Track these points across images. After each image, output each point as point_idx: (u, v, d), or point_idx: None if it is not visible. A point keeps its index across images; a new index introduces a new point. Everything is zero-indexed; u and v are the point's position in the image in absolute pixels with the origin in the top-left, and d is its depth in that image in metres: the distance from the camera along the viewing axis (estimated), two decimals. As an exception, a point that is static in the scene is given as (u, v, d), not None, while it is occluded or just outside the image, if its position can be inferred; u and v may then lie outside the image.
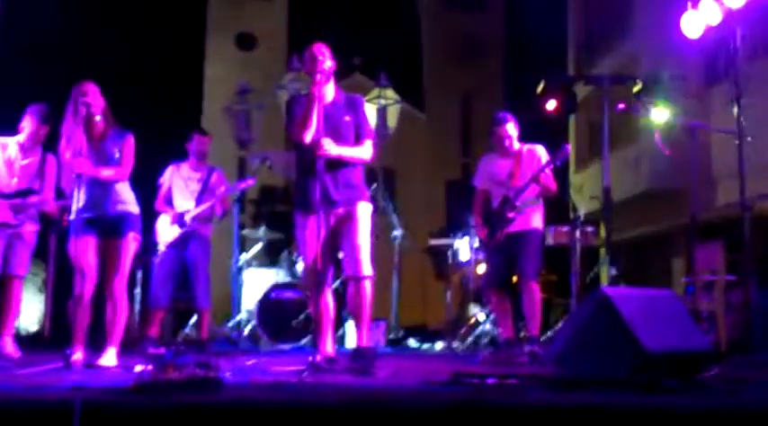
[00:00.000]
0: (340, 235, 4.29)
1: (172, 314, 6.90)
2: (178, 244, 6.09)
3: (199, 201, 6.15)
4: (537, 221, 5.60)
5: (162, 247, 6.07)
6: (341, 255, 4.40)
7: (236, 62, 25.42)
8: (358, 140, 4.37)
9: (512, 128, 5.69)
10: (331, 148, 4.15)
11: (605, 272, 8.09)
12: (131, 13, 22.90)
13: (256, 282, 7.88)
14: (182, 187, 6.21)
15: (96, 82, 4.63)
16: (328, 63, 4.26)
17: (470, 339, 7.52)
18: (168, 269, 6.07)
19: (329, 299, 4.36)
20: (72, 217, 4.53)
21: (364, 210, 4.35)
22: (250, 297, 7.74)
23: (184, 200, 6.17)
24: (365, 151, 4.38)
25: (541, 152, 5.62)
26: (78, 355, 4.39)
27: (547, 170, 5.46)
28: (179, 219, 6.09)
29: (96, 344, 4.55)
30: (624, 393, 2.95)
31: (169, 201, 6.20)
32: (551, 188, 5.55)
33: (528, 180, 5.45)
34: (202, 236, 6.22)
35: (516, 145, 5.71)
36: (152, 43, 22.26)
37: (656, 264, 14.58)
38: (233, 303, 7.95)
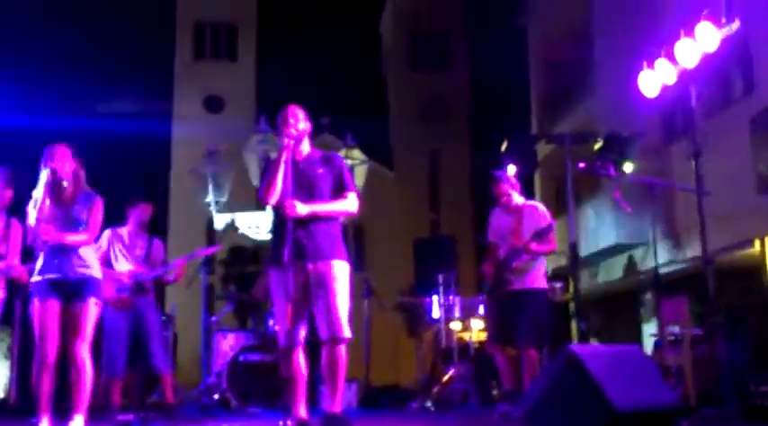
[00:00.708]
0: (314, 294, 4.15)
1: (140, 378, 6.77)
2: (128, 310, 6.00)
3: (145, 267, 6.11)
4: (538, 280, 5.57)
5: (114, 310, 5.96)
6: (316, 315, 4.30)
7: (204, 124, 25.54)
8: (338, 193, 4.31)
9: (507, 186, 5.75)
10: (298, 209, 4.14)
11: (575, 328, 8.16)
12: (99, 75, 23.03)
13: (225, 345, 7.78)
14: (123, 252, 6.14)
15: (65, 141, 4.63)
16: (301, 125, 4.28)
17: (443, 397, 7.47)
18: (122, 335, 5.96)
19: (301, 360, 4.26)
20: (35, 278, 4.49)
21: (341, 268, 4.22)
22: (219, 361, 7.64)
23: (128, 265, 6.10)
24: (349, 203, 4.29)
25: (542, 210, 5.67)
26: (45, 423, 4.29)
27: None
28: (134, 282, 6.02)
29: (63, 411, 4.45)
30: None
31: (107, 265, 6.09)
32: (546, 251, 5.56)
33: (519, 249, 5.48)
34: (152, 300, 6.17)
35: (518, 200, 5.76)
36: (120, 106, 22.36)
37: (625, 318, 14.69)
38: (202, 366, 7.84)
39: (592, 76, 13.98)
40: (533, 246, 5.46)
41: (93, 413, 4.61)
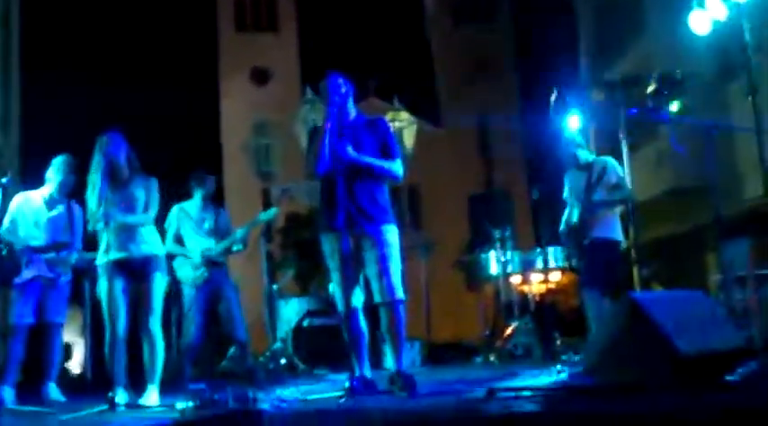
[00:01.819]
0: (366, 258, 4.26)
1: (209, 347, 6.97)
2: (207, 282, 6.16)
3: (215, 238, 6.23)
4: (607, 230, 5.64)
5: (191, 288, 6.12)
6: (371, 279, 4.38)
7: (252, 97, 25.70)
8: (385, 158, 4.35)
9: (574, 146, 5.85)
10: (349, 151, 4.18)
11: (636, 274, 8.05)
12: (146, 55, 23.34)
13: (289, 311, 7.95)
14: (193, 227, 6.26)
15: (117, 127, 4.75)
16: (342, 90, 4.31)
17: (506, 351, 7.49)
18: (201, 307, 6.14)
19: (361, 322, 4.36)
20: (100, 260, 4.64)
21: (391, 233, 4.32)
22: (284, 327, 7.81)
23: (200, 239, 6.22)
24: (394, 166, 4.33)
25: (611, 165, 5.70)
26: (121, 396, 4.48)
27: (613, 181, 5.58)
28: (206, 257, 6.16)
29: (137, 384, 4.62)
30: (661, 398, 2.95)
31: (179, 242, 6.21)
32: (617, 201, 5.63)
33: (591, 207, 5.57)
34: (225, 272, 6.32)
35: (587, 156, 5.84)
36: (167, 85, 22.60)
37: (689, 262, 14.44)
38: (267, 332, 8.02)
39: (641, 17, 13.59)
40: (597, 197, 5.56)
41: (166, 384, 4.78)
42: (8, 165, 11.06)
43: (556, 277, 7.98)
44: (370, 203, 4.30)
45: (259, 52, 27.18)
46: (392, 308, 4.21)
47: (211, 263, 6.16)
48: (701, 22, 6.32)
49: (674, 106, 6.20)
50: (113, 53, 22.48)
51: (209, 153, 25.25)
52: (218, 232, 6.28)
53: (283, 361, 7.48)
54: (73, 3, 21.38)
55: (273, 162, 10.95)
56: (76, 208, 5.39)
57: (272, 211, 6.75)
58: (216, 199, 6.52)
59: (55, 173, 5.38)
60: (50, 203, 5.38)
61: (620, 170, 5.69)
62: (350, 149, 4.19)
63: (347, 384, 3.96)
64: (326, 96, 4.27)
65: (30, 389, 5.30)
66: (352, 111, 4.41)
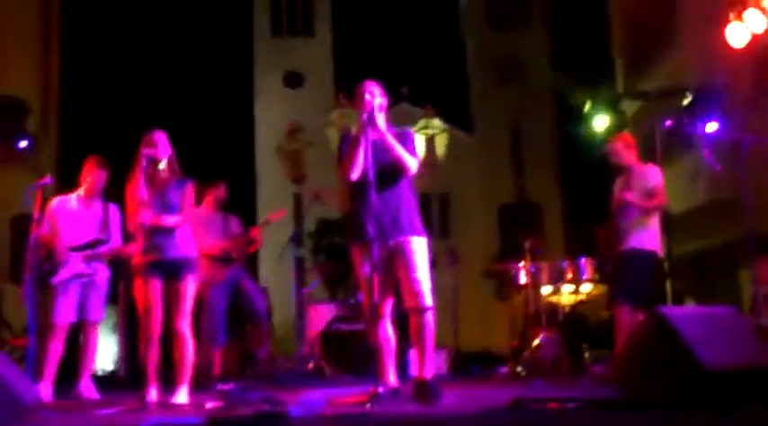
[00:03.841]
0: (396, 267, 4.32)
1: (238, 348, 7.06)
2: (226, 281, 6.36)
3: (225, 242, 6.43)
4: (643, 240, 5.49)
5: (212, 286, 6.28)
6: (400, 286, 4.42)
7: (285, 100, 25.87)
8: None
9: (610, 155, 5.72)
10: (380, 122, 4.27)
11: (669, 288, 7.98)
12: (181, 57, 23.66)
13: (319, 315, 8.02)
14: (205, 229, 6.41)
15: (159, 127, 4.83)
16: (378, 100, 4.35)
17: (534, 362, 7.46)
18: (221, 308, 6.30)
19: (389, 330, 4.40)
20: (137, 260, 4.73)
21: (419, 242, 4.37)
22: (313, 331, 7.88)
23: (214, 240, 6.41)
24: (412, 159, 4.37)
25: (649, 173, 5.58)
26: (152, 394, 4.57)
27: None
28: (227, 257, 6.35)
29: (168, 383, 4.70)
30: (685, 414, 2.94)
31: None
32: (650, 206, 5.49)
33: (622, 204, 5.47)
34: (241, 266, 6.54)
35: (629, 161, 5.70)
36: (204, 88, 22.86)
37: (722, 277, 14.24)
38: (297, 337, 8.11)
39: (678, 27, 13.47)
40: (629, 196, 5.43)
41: (196, 384, 4.85)
42: (47, 165, 11.30)
43: (587, 288, 7.93)
44: (401, 213, 4.35)
45: (294, 56, 27.35)
46: (420, 315, 4.25)
47: (227, 261, 6.35)
48: (738, 35, 6.26)
49: (712, 126, 6.12)
50: (151, 55, 22.79)
51: (243, 155, 25.49)
52: (227, 236, 6.48)
53: (311, 365, 7.55)
54: (111, 6, 21.71)
55: (305, 165, 11.05)
56: (112, 207, 5.51)
57: (281, 213, 7.00)
58: (230, 204, 6.70)
59: (86, 173, 5.51)
60: (85, 203, 5.50)
61: (659, 178, 5.56)
62: (381, 121, 4.28)
63: (373, 390, 3.99)
64: (360, 102, 4.32)
65: (65, 386, 5.42)
66: (383, 123, 4.43)
